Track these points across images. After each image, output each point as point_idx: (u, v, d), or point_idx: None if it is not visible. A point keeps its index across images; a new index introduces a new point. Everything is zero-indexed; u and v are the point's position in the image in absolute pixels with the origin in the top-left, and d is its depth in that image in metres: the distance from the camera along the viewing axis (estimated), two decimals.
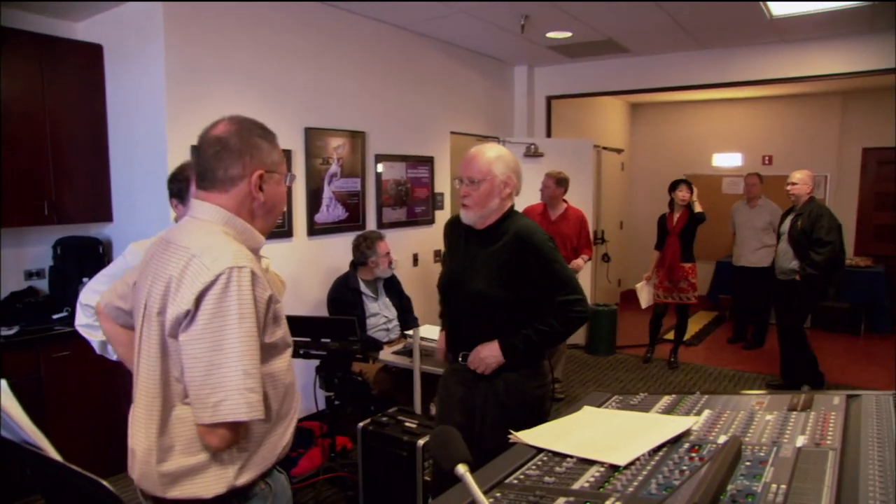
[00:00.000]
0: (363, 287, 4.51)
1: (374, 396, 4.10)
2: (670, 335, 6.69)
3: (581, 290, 2.42)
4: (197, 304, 1.36)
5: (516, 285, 2.36)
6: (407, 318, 4.65)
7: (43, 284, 4.17)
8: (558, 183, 5.26)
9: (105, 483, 1.02)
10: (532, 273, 2.35)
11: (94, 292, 2.45)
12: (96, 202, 4.14)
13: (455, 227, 2.61)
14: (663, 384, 5.88)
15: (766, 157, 9.01)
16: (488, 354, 2.42)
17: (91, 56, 4.06)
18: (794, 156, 8.62)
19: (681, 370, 6.26)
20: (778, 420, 1.58)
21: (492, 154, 2.42)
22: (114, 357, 2.23)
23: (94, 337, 2.51)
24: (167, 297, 1.42)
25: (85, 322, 2.52)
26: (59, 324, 3.87)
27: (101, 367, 3.76)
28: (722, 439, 1.51)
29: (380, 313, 4.53)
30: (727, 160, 9.30)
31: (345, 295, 4.45)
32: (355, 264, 4.56)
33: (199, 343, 1.35)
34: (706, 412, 1.71)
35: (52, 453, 1.09)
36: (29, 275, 4.14)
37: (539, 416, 2.39)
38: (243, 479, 1.48)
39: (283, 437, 1.58)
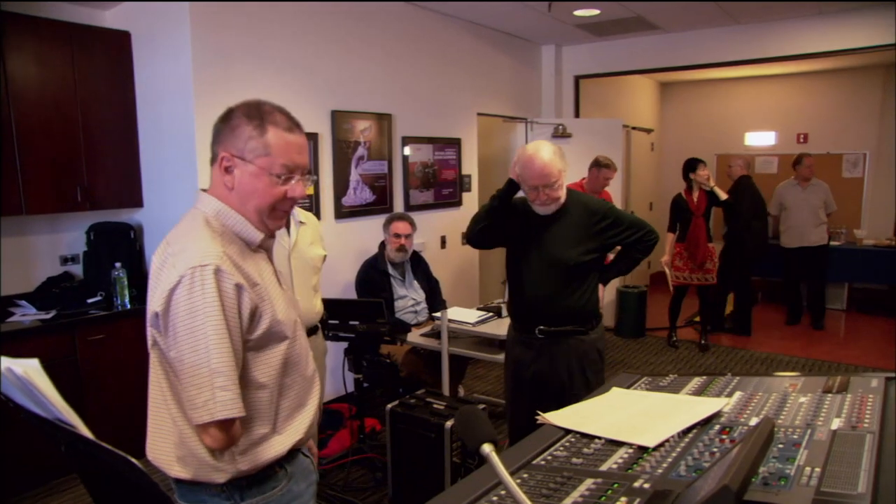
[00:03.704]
0: (391, 269, 4.51)
1: (403, 378, 4.12)
2: (694, 318, 6.60)
3: (645, 222, 2.92)
4: (167, 305, 1.35)
5: (596, 245, 2.78)
6: (435, 301, 4.65)
7: (78, 269, 4.25)
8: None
9: (135, 461, 1.03)
10: (608, 229, 2.79)
11: None
12: (127, 188, 4.20)
13: (517, 216, 2.86)
14: (693, 366, 5.80)
15: (801, 136, 8.78)
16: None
17: (119, 43, 4.10)
18: (831, 133, 8.41)
19: (711, 352, 6.18)
20: (812, 402, 1.55)
21: (548, 154, 2.66)
22: None
23: None
24: (149, 293, 1.44)
25: None
26: (93, 307, 3.95)
27: (135, 349, 3.86)
28: (753, 421, 1.48)
29: (407, 295, 4.54)
30: (760, 139, 9.09)
31: (372, 277, 4.46)
32: (384, 245, 4.58)
33: (180, 346, 1.34)
34: (737, 394, 1.69)
35: (84, 431, 1.11)
36: (64, 260, 4.23)
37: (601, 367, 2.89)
38: (245, 467, 1.47)
39: (297, 430, 1.56)
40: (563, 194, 2.74)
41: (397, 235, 4.43)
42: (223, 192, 1.50)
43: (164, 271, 1.38)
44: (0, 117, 3.60)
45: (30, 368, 1.04)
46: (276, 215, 1.53)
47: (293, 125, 1.51)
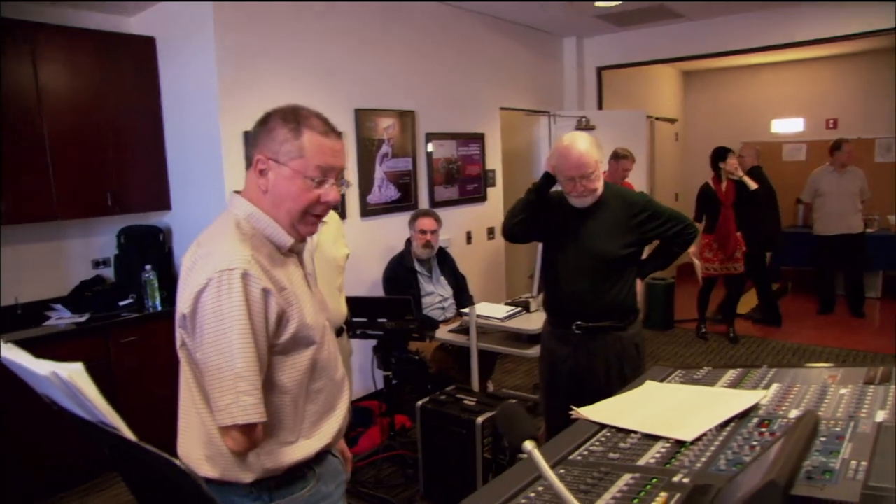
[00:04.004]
0: (417, 266, 4.52)
1: (432, 375, 4.13)
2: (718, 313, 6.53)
3: (684, 215, 2.90)
4: (194, 307, 1.36)
5: (634, 238, 2.76)
6: (462, 297, 4.66)
7: (109, 272, 4.33)
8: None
9: (179, 463, 1.04)
10: (646, 222, 2.77)
11: None
12: (155, 192, 4.27)
13: (553, 210, 2.82)
14: (724, 358, 5.74)
15: (831, 121, 8.62)
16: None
17: (145, 49, 4.16)
18: (861, 117, 8.23)
19: (741, 344, 6.10)
20: (854, 394, 1.52)
21: (584, 145, 2.64)
22: None
23: None
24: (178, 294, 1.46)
25: None
26: (125, 310, 4.02)
27: (167, 350, 3.88)
28: (793, 414, 1.46)
29: (435, 292, 4.55)
30: (788, 126, 8.94)
31: (399, 274, 4.48)
32: (410, 242, 4.59)
33: (205, 348, 1.36)
34: (774, 386, 1.66)
35: (128, 433, 1.13)
36: (96, 264, 4.30)
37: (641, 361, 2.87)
38: (270, 465, 1.47)
39: (325, 434, 1.56)
40: (600, 186, 2.71)
41: (423, 231, 4.44)
42: (256, 195, 1.51)
43: (193, 273, 1.40)
44: (34, 126, 3.67)
45: (74, 372, 1.05)
46: (308, 220, 1.52)
47: (329, 129, 1.51)
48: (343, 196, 4.61)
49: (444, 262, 4.69)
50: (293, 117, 1.48)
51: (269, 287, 1.40)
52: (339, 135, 1.54)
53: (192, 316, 1.37)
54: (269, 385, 1.43)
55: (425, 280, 4.54)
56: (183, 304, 1.39)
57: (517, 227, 2.86)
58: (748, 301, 6.95)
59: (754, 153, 6.47)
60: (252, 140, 1.53)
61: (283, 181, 1.47)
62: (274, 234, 1.51)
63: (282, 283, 1.45)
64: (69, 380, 1.06)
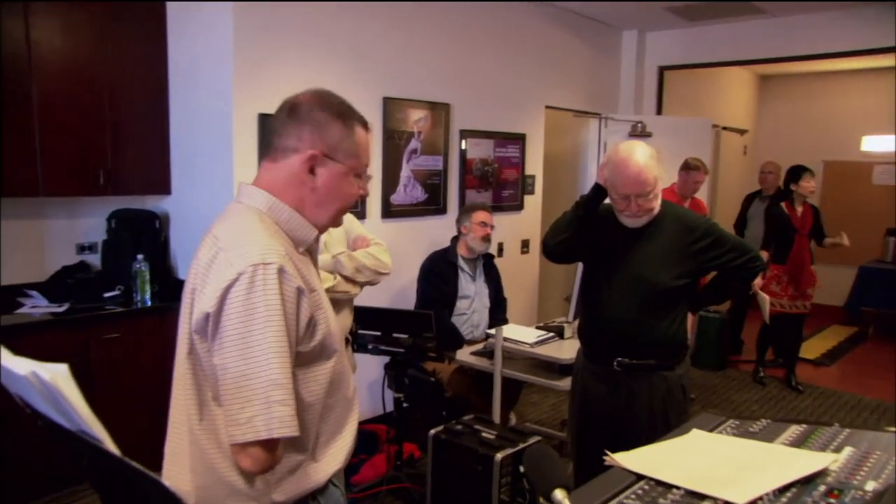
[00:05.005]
0: (461, 262, 4.61)
1: (448, 399, 4.13)
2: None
3: (750, 245, 2.85)
4: (220, 305, 1.35)
5: (691, 268, 2.71)
6: (497, 315, 4.70)
7: (96, 259, 4.36)
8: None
9: (167, 484, 1.05)
10: (707, 250, 2.71)
11: None
12: (154, 173, 4.31)
13: (601, 227, 2.79)
14: (785, 409, 5.65)
15: None
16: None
17: (153, 13, 4.21)
18: None
19: (808, 394, 6.00)
20: None
21: (645, 158, 2.60)
22: None
23: None
24: (195, 294, 1.44)
25: None
26: (110, 303, 4.03)
27: (154, 351, 3.95)
28: (870, 486, 1.42)
29: (472, 296, 4.61)
30: (880, 144, 8.66)
31: (441, 267, 4.57)
32: (456, 238, 4.69)
33: (226, 352, 1.34)
34: (847, 449, 1.62)
35: (111, 446, 1.14)
36: (81, 248, 4.34)
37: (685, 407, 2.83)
38: (279, 498, 1.49)
39: (335, 458, 1.59)
40: (657, 205, 2.67)
41: (484, 224, 4.56)
42: (281, 187, 1.53)
43: (216, 267, 1.39)
44: (21, 89, 3.69)
45: (58, 375, 1.07)
46: (340, 217, 1.63)
47: (365, 122, 1.60)
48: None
49: (490, 271, 4.78)
50: (342, 111, 1.55)
51: (303, 287, 1.42)
52: (368, 125, 1.63)
53: (216, 315, 1.35)
54: None
55: (467, 279, 4.61)
56: (205, 302, 1.37)
57: (560, 247, 2.84)
58: (819, 344, 6.84)
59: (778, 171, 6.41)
60: (284, 128, 1.54)
61: (338, 179, 1.54)
62: (297, 229, 1.54)
63: (312, 284, 1.48)
64: (51, 382, 1.07)
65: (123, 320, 3.93)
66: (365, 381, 4.56)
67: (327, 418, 1.56)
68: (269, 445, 1.36)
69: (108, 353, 3.85)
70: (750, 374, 6.39)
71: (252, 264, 1.35)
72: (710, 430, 1.83)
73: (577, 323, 3.22)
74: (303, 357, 1.46)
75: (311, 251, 1.63)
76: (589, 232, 2.80)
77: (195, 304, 1.42)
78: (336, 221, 1.62)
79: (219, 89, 4.00)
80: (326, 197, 1.54)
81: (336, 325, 1.56)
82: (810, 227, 5.78)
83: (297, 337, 1.42)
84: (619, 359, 2.75)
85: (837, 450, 1.63)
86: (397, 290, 4.84)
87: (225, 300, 1.35)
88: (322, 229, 1.59)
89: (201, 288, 1.41)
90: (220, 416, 1.41)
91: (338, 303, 3.12)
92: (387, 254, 3.35)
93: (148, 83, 4.23)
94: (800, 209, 5.79)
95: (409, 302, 4.81)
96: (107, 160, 4.06)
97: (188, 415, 1.47)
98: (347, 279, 3.21)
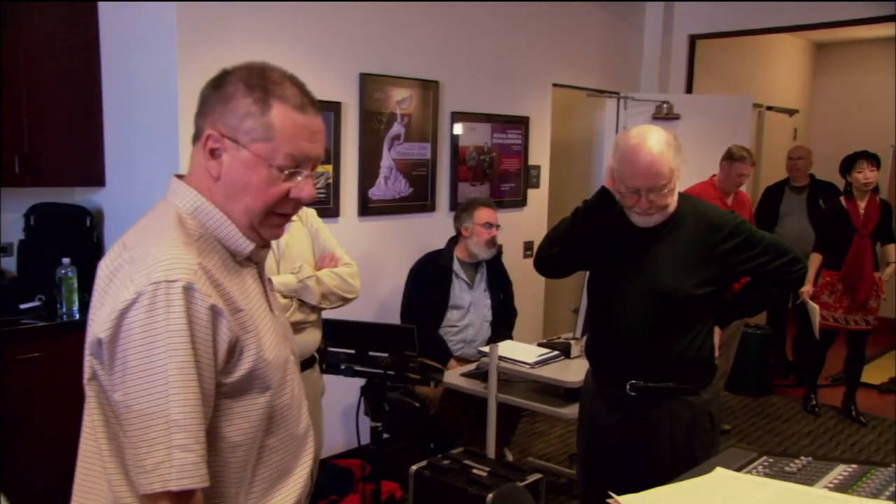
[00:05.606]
0: (457, 266, 4.59)
1: (434, 426, 4.16)
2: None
3: (789, 246, 2.77)
4: (115, 331, 1.32)
5: (716, 273, 2.68)
6: (499, 329, 4.67)
7: (10, 263, 4.29)
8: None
9: None
10: (735, 252, 2.67)
11: None
12: (84, 161, 4.26)
13: (607, 227, 2.76)
14: (839, 445, 5.59)
15: None
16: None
17: None
18: None
19: (869, 427, 5.91)
20: None
21: (659, 145, 2.55)
22: None
23: None
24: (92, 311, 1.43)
25: None
26: (27, 315, 3.97)
27: (81, 375, 3.86)
28: None
29: (466, 307, 4.58)
30: None
31: (431, 271, 4.57)
32: (454, 240, 4.69)
33: (128, 387, 1.31)
34: None
35: None
36: None
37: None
38: None
39: None
40: (672, 202, 2.64)
41: (489, 225, 4.52)
42: (206, 181, 1.49)
43: (115, 285, 1.37)
44: None
45: None
46: (271, 221, 1.52)
47: (307, 102, 1.49)
48: (336, 188, 4.60)
49: (496, 278, 4.74)
50: (260, 83, 1.46)
51: (219, 306, 1.38)
52: (318, 109, 1.52)
53: (111, 342, 1.33)
54: (212, 438, 1.39)
55: (462, 288, 4.60)
56: (98, 326, 1.34)
57: (553, 260, 2.87)
58: (886, 365, 6.78)
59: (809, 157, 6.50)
60: (202, 106, 1.51)
61: (241, 168, 1.45)
62: (228, 237, 1.49)
63: (236, 303, 1.44)
64: None
65: (44, 337, 3.88)
66: (337, 408, 4.53)
67: (267, 461, 1.53)
68: (181, 498, 1.33)
69: (25, 377, 3.77)
70: (799, 400, 6.35)
71: (153, 283, 1.32)
72: (738, 469, 1.82)
73: (585, 340, 3.19)
74: (227, 388, 1.42)
75: (256, 261, 1.58)
76: (587, 240, 2.77)
77: (90, 323, 1.40)
78: (266, 227, 1.52)
79: (160, 62, 3.96)
80: (232, 190, 1.47)
81: (274, 351, 1.51)
82: (875, 226, 5.69)
83: (217, 365, 1.38)
84: (633, 381, 2.72)
85: (893, 498, 1.59)
86: (378, 303, 4.82)
87: (121, 326, 1.32)
88: (249, 234, 1.51)
89: (98, 306, 1.39)
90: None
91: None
92: (356, 277, 3.37)
93: (75, 55, 4.16)
94: (862, 204, 5.70)
95: (391, 316, 4.81)
96: (23, 144, 3.98)
97: (99, 450, 1.43)
98: (304, 304, 3.19)
